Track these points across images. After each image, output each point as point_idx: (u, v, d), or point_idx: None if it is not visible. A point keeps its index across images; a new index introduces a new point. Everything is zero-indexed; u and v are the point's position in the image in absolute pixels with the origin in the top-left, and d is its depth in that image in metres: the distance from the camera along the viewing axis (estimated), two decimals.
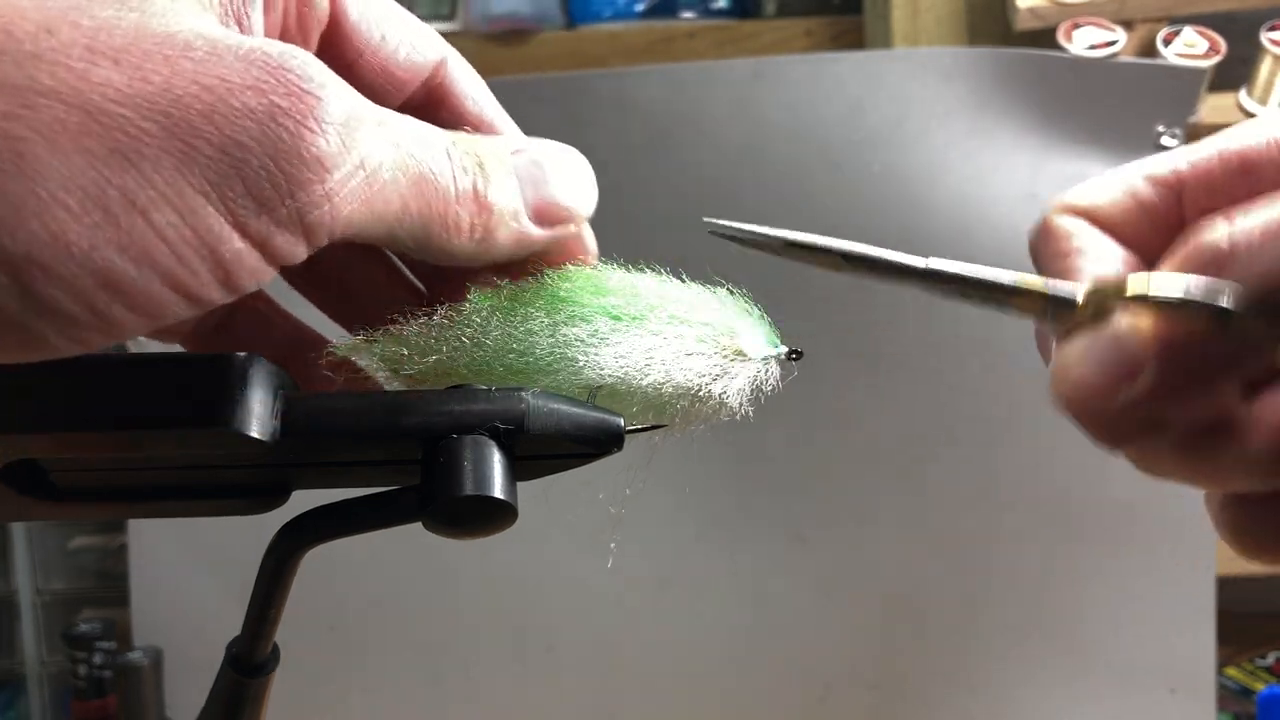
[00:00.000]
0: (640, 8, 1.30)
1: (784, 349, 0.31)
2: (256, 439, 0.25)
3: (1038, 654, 1.00)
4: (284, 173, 0.21)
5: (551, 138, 0.30)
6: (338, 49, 0.28)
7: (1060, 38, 1.04)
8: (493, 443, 0.26)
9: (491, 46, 1.26)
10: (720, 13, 1.30)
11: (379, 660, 1.04)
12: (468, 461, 0.26)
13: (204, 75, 0.20)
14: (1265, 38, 1.05)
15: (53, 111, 0.19)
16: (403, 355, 0.29)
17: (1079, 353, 0.27)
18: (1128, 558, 0.99)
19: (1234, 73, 1.05)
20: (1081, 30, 1.04)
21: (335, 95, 0.22)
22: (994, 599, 1.00)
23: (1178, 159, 0.31)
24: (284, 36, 0.27)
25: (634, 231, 0.98)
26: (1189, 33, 1.04)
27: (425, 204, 0.24)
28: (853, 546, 1.00)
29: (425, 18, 1.32)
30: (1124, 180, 0.31)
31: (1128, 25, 1.06)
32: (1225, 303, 0.25)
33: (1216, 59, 1.01)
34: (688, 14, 1.30)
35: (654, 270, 0.32)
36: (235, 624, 0.29)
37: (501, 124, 0.31)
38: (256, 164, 0.21)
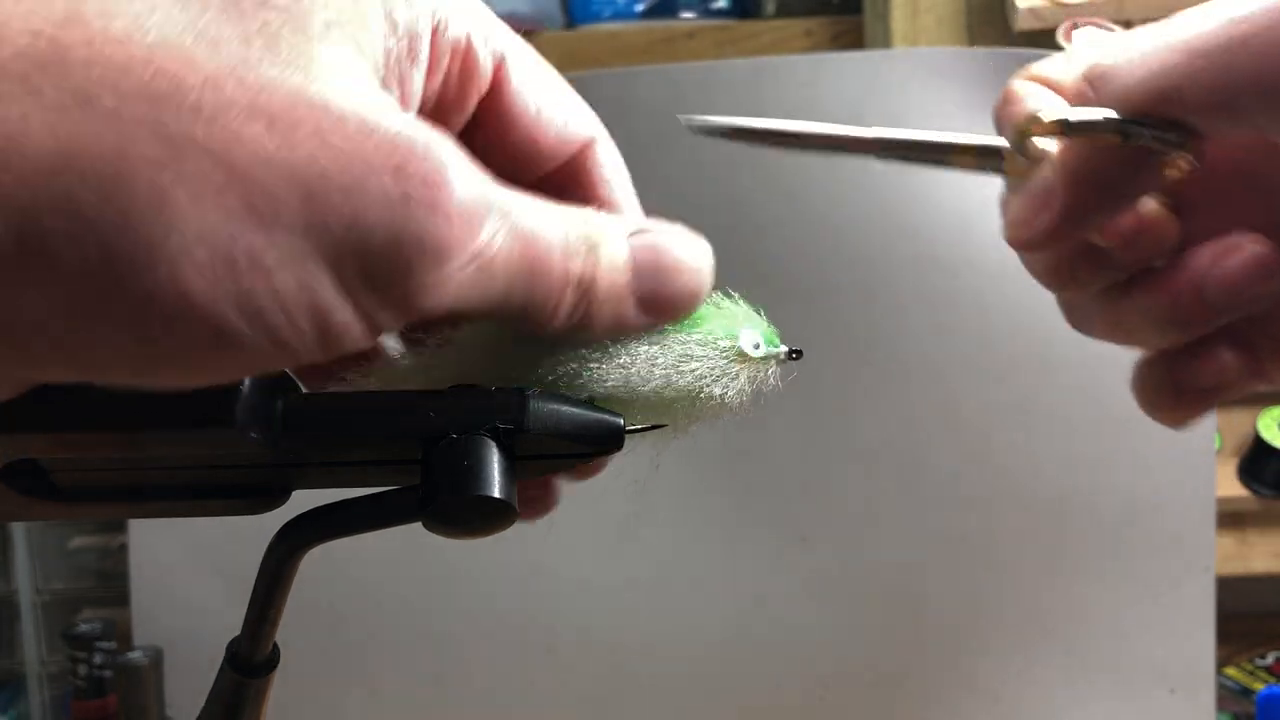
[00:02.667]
0: (640, 8, 1.30)
1: (784, 349, 0.31)
2: (256, 439, 0.25)
3: (1038, 654, 1.00)
4: (403, 259, 0.22)
5: None
6: (492, 117, 0.28)
7: (1060, 38, 1.04)
8: (493, 443, 0.26)
9: None
10: (720, 13, 1.31)
11: (379, 660, 1.04)
12: (468, 461, 0.26)
13: (350, 153, 0.21)
14: None
15: (200, 165, 0.20)
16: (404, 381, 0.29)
17: (1011, 196, 0.32)
18: (1128, 558, 0.99)
19: None
20: (1081, 30, 1.04)
21: (466, 184, 0.22)
22: (994, 599, 1.00)
23: (1132, 36, 0.33)
24: (442, 101, 0.27)
25: None
26: None
27: (531, 286, 0.24)
28: (853, 546, 1.00)
29: None
30: (1077, 55, 0.34)
31: (1127, 25, 1.06)
32: (1110, 118, 0.29)
33: None
34: (688, 14, 1.30)
35: None
36: (235, 624, 0.29)
37: (630, 211, 0.31)
38: (380, 246, 0.21)
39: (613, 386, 0.28)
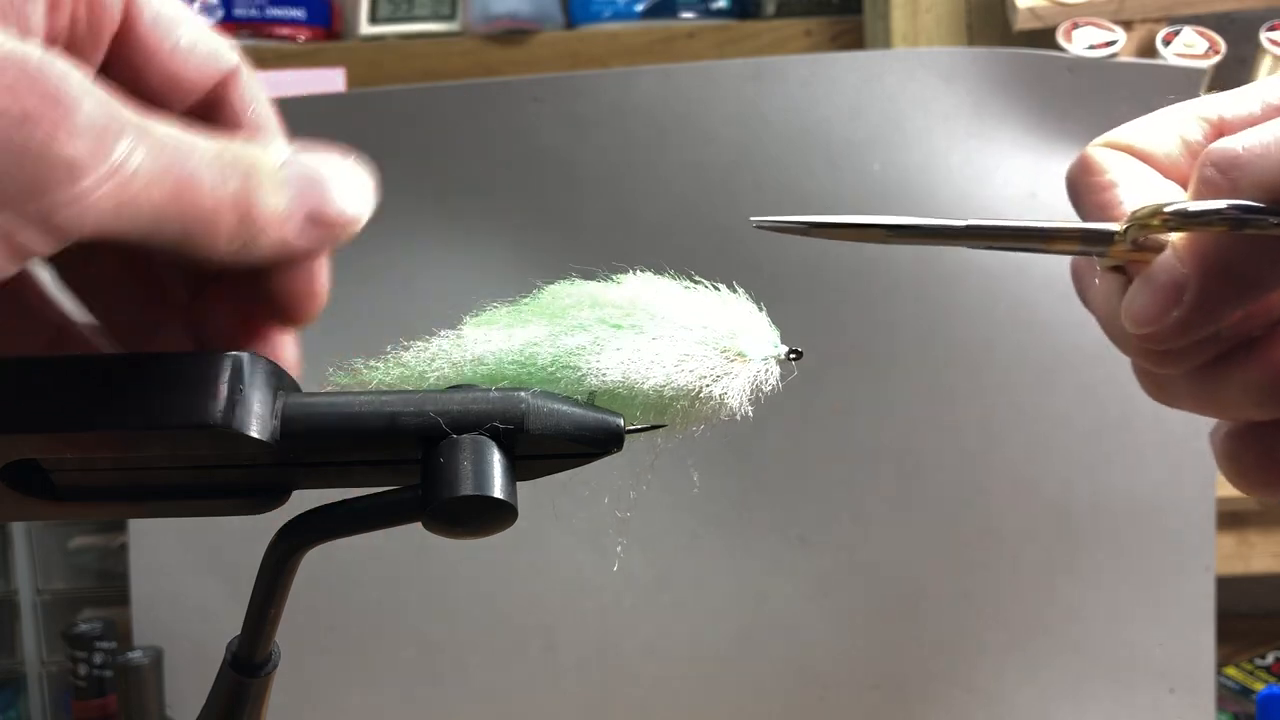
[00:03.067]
0: (640, 8, 1.30)
1: (784, 349, 0.31)
2: (256, 439, 0.25)
3: (1038, 654, 1.00)
4: (31, 175, 0.22)
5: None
6: (127, 51, 0.28)
7: (1060, 38, 1.04)
8: (492, 442, 0.26)
9: (491, 46, 1.26)
10: (720, 13, 1.30)
11: (379, 660, 1.04)
12: (467, 461, 0.26)
13: None
14: (1265, 38, 1.05)
15: None
16: (402, 378, 0.29)
17: (1135, 289, 0.30)
18: (1128, 558, 0.99)
19: (1233, 73, 1.05)
20: (1081, 30, 1.04)
21: (92, 102, 0.23)
22: (993, 599, 1.00)
23: (1222, 103, 0.32)
24: (73, 37, 0.27)
25: (634, 231, 0.98)
26: (1188, 33, 1.04)
27: (183, 209, 0.24)
28: (853, 546, 1.00)
29: (425, 18, 1.32)
30: (1169, 118, 0.33)
31: (1127, 25, 1.06)
32: (1242, 208, 0.27)
33: (1216, 59, 1.01)
34: (688, 14, 1.30)
35: (654, 271, 0.32)
36: (235, 624, 0.29)
37: (275, 133, 0.31)
38: (3, 164, 0.21)
39: (613, 382, 0.28)
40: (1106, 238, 0.30)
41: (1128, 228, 0.30)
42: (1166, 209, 0.29)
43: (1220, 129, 0.32)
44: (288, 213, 0.27)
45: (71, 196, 0.22)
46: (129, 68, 0.29)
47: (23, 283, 0.31)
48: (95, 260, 0.31)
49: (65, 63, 0.23)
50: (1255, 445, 0.32)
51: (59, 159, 0.22)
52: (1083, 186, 0.33)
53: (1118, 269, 0.31)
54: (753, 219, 0.32)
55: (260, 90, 0.31)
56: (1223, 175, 0.29)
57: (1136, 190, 0.32)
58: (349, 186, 0.29)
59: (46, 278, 0.32)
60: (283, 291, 0.30)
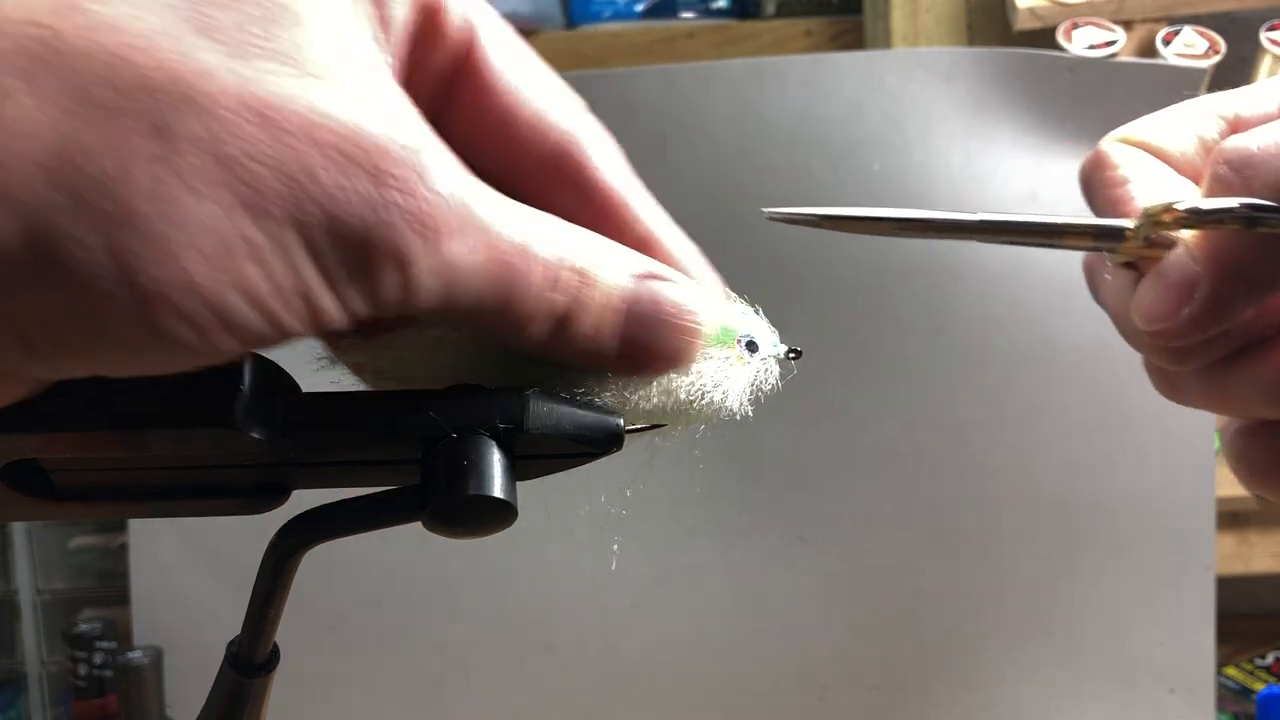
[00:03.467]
0: (640, 8, 1.30)
1: (783, 348, 0.31)
2: (256, 439, 0.25)
3: (1038, 654, 1.00)
4: (376, 256, 0.22)
5: None
6: (466, 88, 0.27)
7: (1060, 38, 1.04)
8: (492, 442, 0.26)
9: None
10: (720, 13, 1.30)
11: (379, 660, 1.04)
12: (467, 461, 0.26)
13: (336, 154, 0.22)
14: (1265, 38, 1.05)
15: (200, 160, 0.20)
16: (399, 370, 0.29)
17: (1146, 286, 0.30)
18: (1128, 558, 0.99)
19: (1234, 73, 1.05)
20: (1081, 30, 1.04)
21: (442, 192, 0.23)
22: (994, 599, 1.00)
23: (1239, 100, 0.32)
24: (410, 56, 0.26)
25: None
26: (1188, 33, 1.04)
27: (503, 304, 0.25)
28: (853, 546, 1.00)
29: None
30: (1185, 114, 0.33)
31: (1127, 25, 1.06)
32: (1256, 207, 0.27)
33: (1216, 59, 1.01)
34: (688, 14, 1.30)
35: None
36: (235, 624, 0.29)
37: (636, 203, 0.29)
38: (356, 242, 0.22)
39: (611, 401, 0.28)
40: (1118, 234, 0.30)
41: (1140, 224, 0.30)
42: (1178, 206, 0.28)
43: (1236, 126, 0.32)
44: (612, 331, 0.26)
45: (405, 279, 0.23)
46: (471, 111, 0.27)
47: None
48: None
49: (431, 142, 0.23)
50: (1266, 443, 0.32)
51: (400, 245, 0.22)
52: (1096, 181, 0.33)
53: (1130, 265, 0.31)
54: (765, 209, 0.31)
55: (613, 152, 0.29)
56: (1236, 174, 0.29)
57: (1150, 186, 0.31)
58: (688, 324, 0.27)
59: None
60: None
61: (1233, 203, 0.28)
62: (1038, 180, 0.95)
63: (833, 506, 1.00)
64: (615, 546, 0.94)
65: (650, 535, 0.99)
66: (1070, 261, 0.35)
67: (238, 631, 0.29)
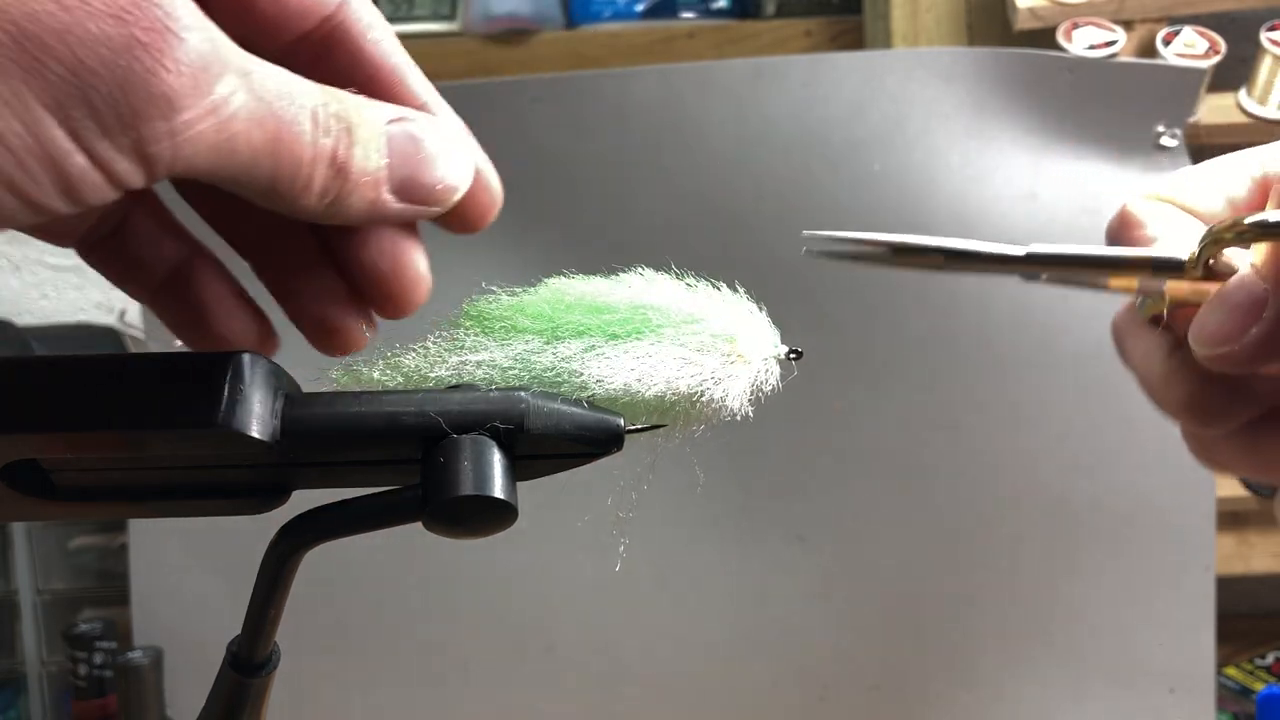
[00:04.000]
0: (640, 8, 1.30)
1: (784, 349, 0.31)
2: (256, 439, 0.25)
3: (1038, 654, 1.00)
4: (130, 104, 0.21)
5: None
6: None
7: (1060, 38, 1.04)
8: (492, 442, 0.26)
9: (491, 46, 1.26)
10: (720, 13, 1.30)
11: (379, 660, 1.04)
12: (467, 461, 0.26)
13: None
14: (1265, 38, 1.05)
15: None
16: (404, 382, 0.29)
17: (1208, 309, 0.29)
18: (1128, 558, 0.99)
19: (1234, 73, 1.05)
20: (1081, 30, 1.04)
21: (198, 37, 0.22)
22: (994, 599, 1.00)
23: (1266, 157, 0.31)
24: None
25: (634, 231, 0.98)
26: (1189, 33, 1.04)
27: (277, 158, 0.24)
28: (853, 546, 1.00)
29: (425, 18, 1.32)
30: (1212, 172, 0.32)
31: (1127, 25, 1.06)
32: None
33: (1216, 59, 1.01)
34: (688, 14, 1.30)
35: (653, 271, 0.32)
36: (235, 624, 0.29)
37: (407, 73, 0.30)
38: (104, 90, 0.21)
39: (614, 389, 0.28)
40: (1177, 265, 0.29)
41: (1203, 246, 0.28)
42: (1247, 220, 0.27)
43: (1264, 185, 0.31)
44: (383, 174, 0.26)
45: (167, 130, 0.22)
46: None
47: (141, 213, 0.31)
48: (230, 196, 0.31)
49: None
50: None
51: (157, 91, 0.22)
52: (1123, 240, 0.32)
53: (1159, 321, 0.30)
54: (806, 236, 0.31)
55: (383, 24, 0.30)
56: None
57: (1179, 242, 0.30)
58: (453, 155, 0.28)
59: (166, 212, 0.31)
60: (371, 268, 0.29)
61: None
62: (1037, 180, 0.95)
63: (833, 506, 1.00)
64: (621, 549, 0.94)
65: (650, 536, 0.99)
66: (1110, 321, 0.34)
67: (238, 631, 0.29)
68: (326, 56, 0.29)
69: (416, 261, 0.30)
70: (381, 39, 0.30)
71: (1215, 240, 0.28)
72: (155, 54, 0.21)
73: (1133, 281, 0.30)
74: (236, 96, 0.23)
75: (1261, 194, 0.31)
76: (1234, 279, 0.29)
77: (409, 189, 0.27)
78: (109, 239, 0.30)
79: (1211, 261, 0.29)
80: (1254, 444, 0.31)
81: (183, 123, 0.22)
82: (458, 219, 0.29)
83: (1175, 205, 0.32)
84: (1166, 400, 0.31)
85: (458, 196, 0.28)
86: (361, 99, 0.27)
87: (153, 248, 0.31)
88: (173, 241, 0.31)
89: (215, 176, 0.24)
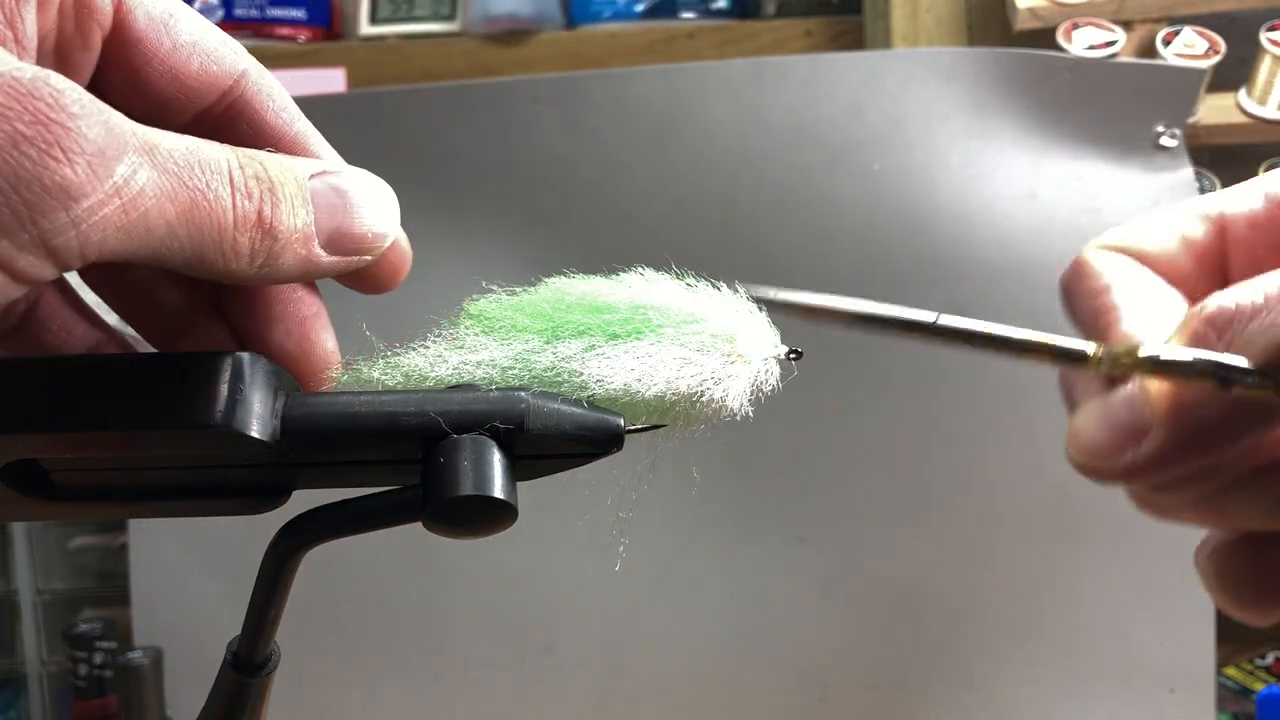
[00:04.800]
0: (640, 8, 1.30)
1: (784, 349, 0.31)
2: (256, 439, 0.25)
3: (1038, 654, 1.00)
4: (24, 200, 0.21)
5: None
6: (123, 55, 0.27)
7: (1060, 38, 1.04)
8: (492, 442, 0.26)
9: (491, 46, 1.26)
10: (720, 13, 1.30)
11: (379, 660, 1.04)
12: (467, 461, 0.26)
13: None
14: (1265, 38, 1.05)
15: None
16: (404, 382, 0.29)
17: (1089, 414, 0.28)
18: (1128, 558, 0.99)
19: (1233, 73, 1.05)
20: (1081, 30, 1.04)
21: (90, 122, 0.22)
22: (994, 599, 1.00)
23: (1222, 200, 0.31)
24: (60, 39, 0.26)
25: (634, 231, 0.98)
26: (1188, 33, 1.04)
27: (198, 229, 0.24)
28: (853, 546, 1.00)
29: (425, 18, 1.32)
30: (1168, 217, 0.31)
31: (1127, 25, 1.06)
32: (1232, 369, 0.25)
33: (1216, 59, 1.02)
34: (688, 14, 1.30)
35: (653, 271, 0.32)
36: (235, 624, 0.29)
37: (310, 139, 0.30)
38: None
39: (614, 389, 0.28)
40: (1080, 358, 0.28)
41: (1102, 359, 0.28)
42: (1141, 352, 0.26)
43: (1221, 226, 0.31)
44: (311, 229, 0.26)
45: (66, 221, 0.21)
46: (128, 70, 0.28)
47: (51, 300, 0.30)
48: (129, 269, 0.31)
49: (61, 79, 0.22)
50: (1252, 558, 0.30)
51: (51, 183, 0.21)
52: (1076, 292, 0.31)
53: (1114, 380, 0.29)
54: (742, 286, 0.31)
55: (282, 93, 0.30)
56: (1217, 334, 0.26)
57: (1133, 298, 0.30)
58: (376, 204, 0.28)
59: (81, 293, 0.31)
60: (279, 349, 0.29)
61: (1190, 356, 0.26)
62: (1037, 180, 0.95)
63: (833, 506, 1.00)
64: (621, 549, 0.94)
65: (651, 536, 0.99)
66: (1069, 260, 0.34)
67: (238, 631, 0.29)
68: (228, 129, 0.29)
69: (324, 340, 0.30)
70: (284, 108, 0.30)
71: (1113, 360, 0.27)
72: (44, 146, 0.21)
73: (1044, 361, 0.29)
74: (140, 175, 0.23)
75: (1218, 234, 0.31)
76: (1122, 394, 0.28)
77: (339, 241, 0.27)
78: (16, 330, 0.30)
79: (1112, 373, 0.28)
80: (1217, 504, 0.30)
81: (85, 210, 0.22)
82: (371, 278, 0.30)
83: (1131, 253, 0.31)
84: (1113, 470, 0.29)
85: (388, 243, 0.28)
86: (279, 156, 0.27)
87: (64, 334, 0.30)
88: (85, 327, 0.31)
89: (135, 256, 0.23)
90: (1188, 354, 0.26)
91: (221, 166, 0.25)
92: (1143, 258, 0.31)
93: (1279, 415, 0.26)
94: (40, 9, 0.25)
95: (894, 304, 0.29)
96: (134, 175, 0.22)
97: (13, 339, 0.30)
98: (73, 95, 0.22)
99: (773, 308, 0.30)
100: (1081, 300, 0.31)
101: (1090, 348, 0.28)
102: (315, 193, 0.27)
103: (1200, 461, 0.27)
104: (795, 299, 0.30)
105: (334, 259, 0.27)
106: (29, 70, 0.22)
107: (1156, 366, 0.26)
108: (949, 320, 0.29)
